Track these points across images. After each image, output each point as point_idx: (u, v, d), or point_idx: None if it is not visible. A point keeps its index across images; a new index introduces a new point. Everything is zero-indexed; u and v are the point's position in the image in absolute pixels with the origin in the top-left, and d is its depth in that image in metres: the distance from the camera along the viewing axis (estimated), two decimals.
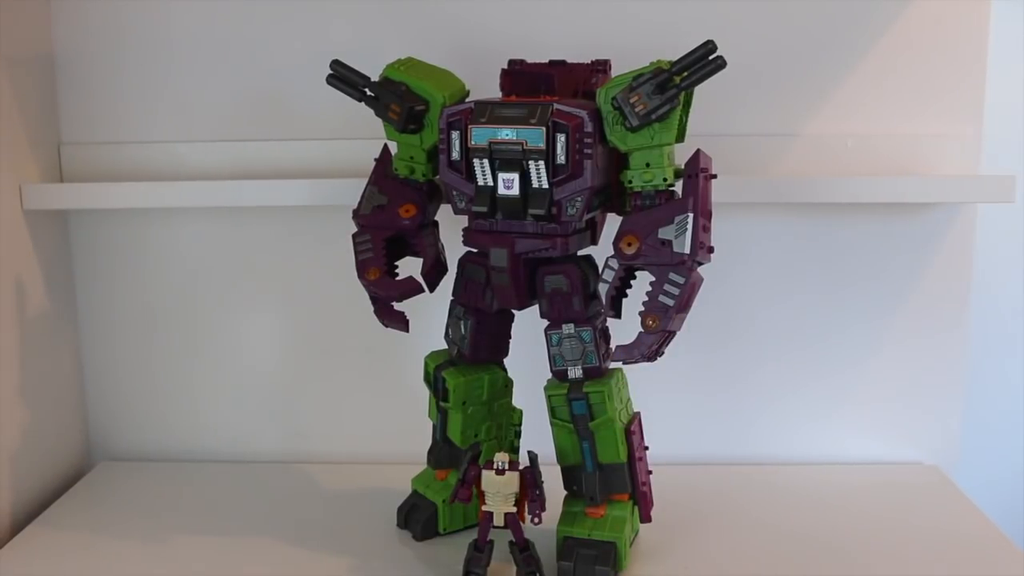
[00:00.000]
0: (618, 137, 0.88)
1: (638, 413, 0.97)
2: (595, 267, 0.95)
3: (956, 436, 1.20)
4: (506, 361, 1.02)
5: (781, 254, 1.18)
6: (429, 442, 1.04)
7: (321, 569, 0.97)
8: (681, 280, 0.86)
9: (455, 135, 0.90)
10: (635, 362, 0.88)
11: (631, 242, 0.88)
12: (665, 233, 0.87)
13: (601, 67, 0.96)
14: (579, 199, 0.88)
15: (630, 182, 0.89)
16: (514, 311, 0.99)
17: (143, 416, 1.25)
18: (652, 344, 0.87)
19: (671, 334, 0.88)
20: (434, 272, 0.99)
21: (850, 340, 1.19)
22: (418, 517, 1.02)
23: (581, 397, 0.92)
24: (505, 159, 0.88)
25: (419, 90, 0.94)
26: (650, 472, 0.97)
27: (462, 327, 0.98)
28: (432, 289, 0.99)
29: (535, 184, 0.88)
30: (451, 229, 0.99)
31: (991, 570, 0.96)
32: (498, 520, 0.90)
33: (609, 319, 0.92)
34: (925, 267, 1.17)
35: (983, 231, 1.17)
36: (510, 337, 1.01)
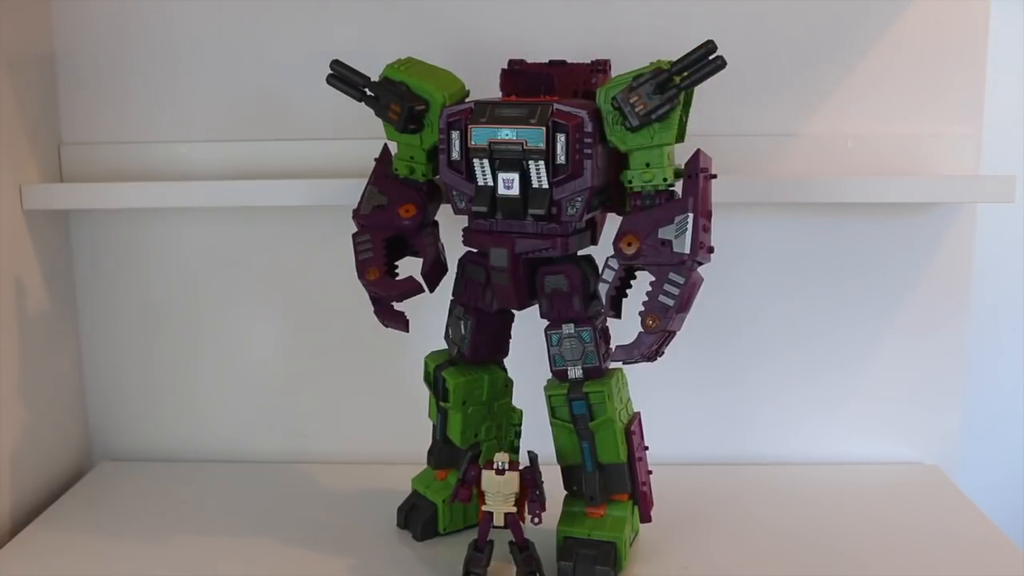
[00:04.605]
0: (618, 137, 0.88)
1: (638, 413, 0.97)
2: (595, 267, 0.95)
3: (956, 436, 1.20)
4: (506, 361, 1.02)
5: (781, 254, 1.18)
6: (429, 442, 1.04)
7: (321, 569, 0.97)
8: (681, 280, 0.86)
9: (455, 135, 0.90)
10: (635, 362, 0.88)
11: (631, 242, 0.88)
12: (665, 233, 0.87)
13: (601, 67, 0.96)
14: (579, 199, 0.88)
15: (630, 182, 0.89)
16: (514, 311, 0.99)
17: (143, 416, 1.25)
18: (652, 344, 0.87)
19: (671, 334, 0.88)
20: (434, 272, 0.99)
21: (850, 340, 1.19)
22: (418, 517, 1.02)
23: (581, 397, 0.92)
24: (505, 159, 0.88)
25: (419, 90, 0.94)
26: (650, 472, 0.97)
27: (462, 327, 0.98)
28: (432, 289, 0.99)
29: (535, 184, 0.88)
30: (451, 229, 0.99)
31: (991, 570, 0.96)
32: (498, 520, 0.90)
33: (609, 319, 0.92)
34: (925, 267, 1.17)
35: (983, 231, 1.17)
36: (510, 337, 1.01)
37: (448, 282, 1.00)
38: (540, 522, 0.90)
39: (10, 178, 1.09)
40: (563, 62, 0.96)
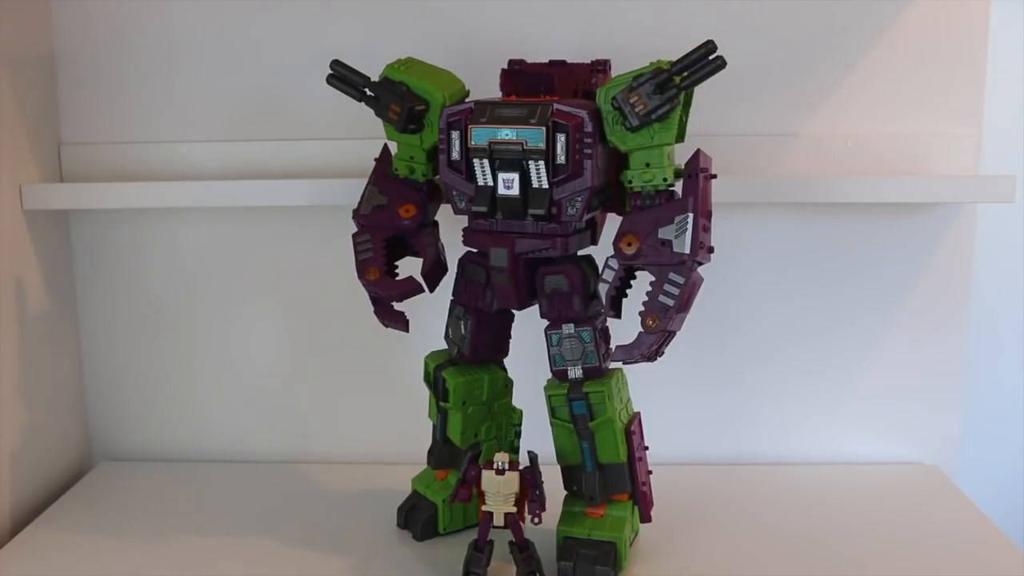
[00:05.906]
0: (618, 137, 0.88)
1: (638, 413, 0.97)
2: (595, 267, 0.95)
3: (956, 436, 1.20)
4: (506, 361, 1.02)
5: (781, 254, 1.18)
6: (429, 442, 1.04)
7: (321, 569, 0.97)
8: (681, 280, 0.86)
9: (455, 135, 0.90)
10: (635, 362, 0.88)
11: (631, 242, 0.88)
12: (665, 233, 0.87)
13: (601, 67, 0.96)
14: (579, 199, 0.88)
15: (630, 182, 0.89)
16: (514, 311, 0.99)
17: (143, 416, 1.25)
18: (652, 344, 0.87)
19: (671, 334, 0.88)
20: (434, 272, 0.99)
21: (850, 340, 1.19)
22: (418, 517, 1.02)
23: (581, 397, 0.92)
24: (505, 159, 0.88)
25: (419, 90, 0.94)
26: (650, 472, 0.97)
27: (462, 327, 0.98)
28: (432, 289, 0.99)
29: (535, 184, 0.88)
30: (451, 229, 0.99)
31: (991, 570, 0.96)
32: (498, 520, 0.90)
33: (609, 319, 0.92)
34: (925, 267, 1.17)
35: (983, 231, 1.17)
36: (510, 337, 1.01)
37: (448, 282, 1.00)
38: (540, 522, 0.90)
39: (10, 178, 1.09)
40: (563, 62, 0.96)
